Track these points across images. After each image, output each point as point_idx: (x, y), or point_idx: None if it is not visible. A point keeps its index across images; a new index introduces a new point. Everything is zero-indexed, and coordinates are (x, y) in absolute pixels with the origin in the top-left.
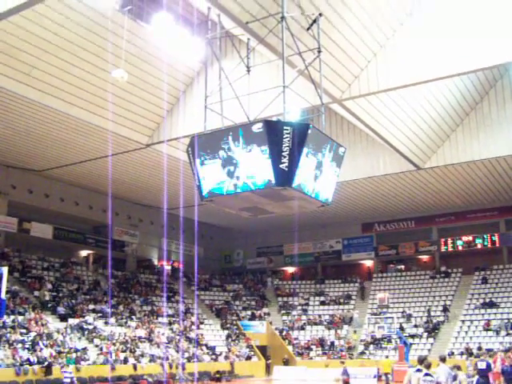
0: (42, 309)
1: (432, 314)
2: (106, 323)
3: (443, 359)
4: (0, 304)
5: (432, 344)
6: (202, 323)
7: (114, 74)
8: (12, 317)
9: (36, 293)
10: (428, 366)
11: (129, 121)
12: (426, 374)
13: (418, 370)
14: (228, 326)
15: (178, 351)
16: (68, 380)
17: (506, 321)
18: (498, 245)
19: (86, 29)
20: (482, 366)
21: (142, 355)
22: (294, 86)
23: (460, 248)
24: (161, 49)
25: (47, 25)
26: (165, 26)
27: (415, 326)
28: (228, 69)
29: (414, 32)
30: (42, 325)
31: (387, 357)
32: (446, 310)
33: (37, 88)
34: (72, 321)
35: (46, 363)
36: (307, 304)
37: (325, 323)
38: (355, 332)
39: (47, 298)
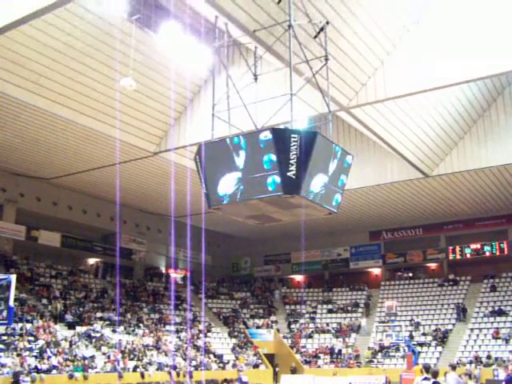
0: (50, 317)
1: (441, 321)
2: (114, 331)
3: (453, 367)
4: (8, 311)
5: (440, 352)
6: (209, 331)
7: (122, 83)
8: (20, 324)
9: (44, 300)
10: (435, 374)
11: (136, 129)
12: (435, 383)
13: (426, 379)
14: (235, 334)
15: (185, 359)
16: None
17: None
18: (506, 252)
19: (94, 37)
20: None
21: (150, 363)
22: (301, 93)
23: (468, 256)
24: (168, 57)
25: (55, 34)
26: (172, 35)
27: (423, 334)
28: (235, 77)
29: (421, 39)
30: (50, 333)
31: (417, 364)
32: (464, 310)
33: (45, 97)
34: (80, 329)
35: (13, 373)
36: (315, 312)
37: (332, 331)
38: (369, 349)
39: (59, 310)
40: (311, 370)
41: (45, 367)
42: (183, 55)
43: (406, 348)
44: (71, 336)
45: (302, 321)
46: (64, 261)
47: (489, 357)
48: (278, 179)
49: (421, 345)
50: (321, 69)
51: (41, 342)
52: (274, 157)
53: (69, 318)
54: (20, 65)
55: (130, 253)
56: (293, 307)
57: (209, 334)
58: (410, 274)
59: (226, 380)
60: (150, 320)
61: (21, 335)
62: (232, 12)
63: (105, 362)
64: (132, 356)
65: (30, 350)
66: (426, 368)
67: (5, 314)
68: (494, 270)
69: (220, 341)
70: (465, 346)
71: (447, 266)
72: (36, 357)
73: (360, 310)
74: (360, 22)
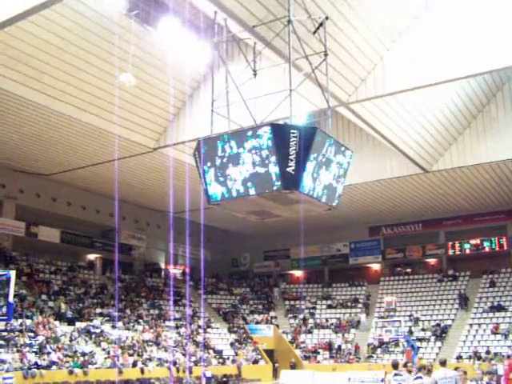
0: (53, 316)
1: (440, 317)
2: (114, 327)
3: (442, 363)
4: (8, 307)
5: (440, 348)
6: (209, 327)
7: (122, 79)
8: (20, 320)
9: (44, 296)
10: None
11: (136, 125)
12: (417, 378)
13: (397, 375)
14: (235, 329)
15: (185, 355)
16: None
17: None
18: (505, 248)
19: (93, 33)
20: None
21: (150, 359)
22: (300, 89)
23: (467, 251)
24: (167, 53)
25: (55, 30)
26: (171, 30)
27: (423, 329)
28: (234, 72)
29: (421, 35)
30: (50, 328)
31: (421, 359)
32: (466, 299)
33: (44, 93)
34: (79, 324)
35: None
36: (314, 308)
37: (332, 327)
38: (368, 345)
39: (63, 309)
40: (311, 366)
41: (45, 363)
42: (182, 51)
43: (406, 343)
44: (71, 332)
45: (301, 316)
46: (63, 257)
47: (488, 352)
48: (277, 175)
49: (420, 340)
50: (320, 64)
51: (40, 338)
52: (273, 152)
53: (68, 313)
54: (19, 61)
55: (130, 248)
56: (292, 303)
57: (208, 329)
58: (410, 270)
59: (225, 375)
60: (150, 316)
61: (20, 331)
62: (231, 7)
63: (104, 358)
64: (132, 352)
65: (30, 345)
66: (395, 365)
67: (4, 310)
68: (493, 266)
69: (219, 336)
70: (464, 342)
71: (446, 261)
72: (36, 353)
73: (359, 305)
74: (359, 18)
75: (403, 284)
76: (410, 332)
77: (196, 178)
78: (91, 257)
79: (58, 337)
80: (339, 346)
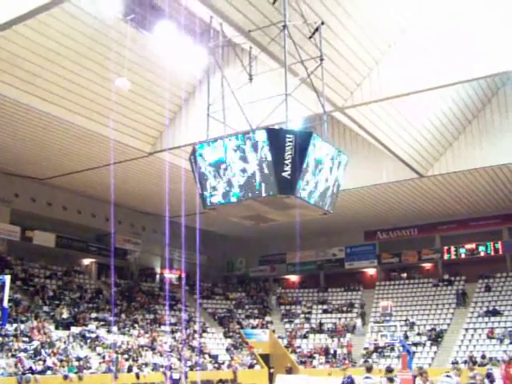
0: (46, 318)
1: (436, 322)
2: (109, 331)
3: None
4: (2, 312)
5: (435, 352)
6: (204, 331)
7: (117, 83)
8: (14, 325)
9: (39, 301)
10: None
11: (131, 129)
12: (367, 378)
13: (367, 378)
14: (231, 334)
15: (180, 360)
16: None
17: (510, 329)
18: (501, 253)
19: (88, 37)
20: None
21: (145, 364)
22: (296, 94)
23: (463, 256)
24: (163, 57)
25: (50, 34)
26: (167, 35)
27: (418, 334)
28: (230, 77)
29: (416, 40)
30: (45, 333)
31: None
32: (464, 295)
33: (40, 96)
34: (74, 329)
35: None
36: (310, 312)
37: (328, 332)
38: (364, 349)
39: (64, 316)
40: (306, 371)
41: (39, 368)
42: (178, 55)
43: (401, 348)
44: (66, 336)
45: (297, 321)
46: (58, 261)
47: (483, 356)
48: (272, 179)
49: (416, 345)
50: (316, 69)
51: (35, 343)
52: (268, 157)
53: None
54: (14, 64)
55: (125, 253)
56: (288, 307)
57: (204, 334)
58: (405, 274)
59: (221, 380)
60: (145, 320)
61: (15, 336)
62: (227, 12)
63: (100, 363)
64: (127, 356)
65: (25, 350)
66: (368, 368)
67: None
68: (488, 270)
69: (215, 341)
70: (459, 346)
71: (442, 266)
72: (31, 357)
73: (355, 310)
74: (355, 23)
75: (399, 289)
76: (406, 337)
77: (192, 182)
78: (86, 261)
79: (53, 341)
80: (335, 351)
